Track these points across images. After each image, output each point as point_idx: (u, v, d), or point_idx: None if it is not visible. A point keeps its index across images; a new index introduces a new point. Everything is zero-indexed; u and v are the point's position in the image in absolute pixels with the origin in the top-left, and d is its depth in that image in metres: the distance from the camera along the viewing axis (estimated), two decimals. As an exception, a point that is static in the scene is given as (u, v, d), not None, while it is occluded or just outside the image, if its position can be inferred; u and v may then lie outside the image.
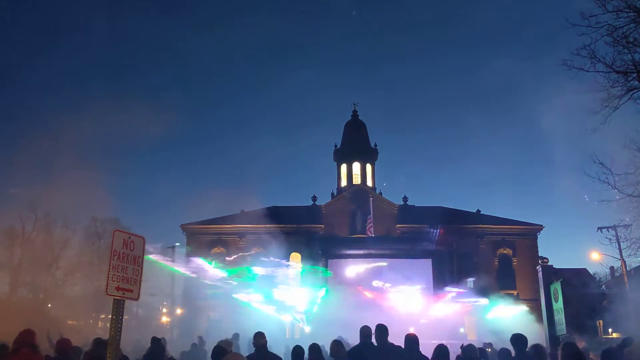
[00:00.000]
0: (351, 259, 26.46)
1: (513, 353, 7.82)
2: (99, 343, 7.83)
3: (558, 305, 17.19)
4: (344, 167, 47.88)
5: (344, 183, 47.29)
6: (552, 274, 18.28)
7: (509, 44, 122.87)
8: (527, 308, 27.43)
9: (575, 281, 20.81)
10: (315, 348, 7.63)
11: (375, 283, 24.43)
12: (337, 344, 7.55)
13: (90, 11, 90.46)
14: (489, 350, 11.54)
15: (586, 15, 10.71)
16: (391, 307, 22.46)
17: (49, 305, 39.05)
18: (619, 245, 20.50)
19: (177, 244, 34.92)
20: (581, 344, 14.41)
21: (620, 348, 9.19)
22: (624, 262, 23.71)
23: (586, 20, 10.69)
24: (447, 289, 24.56)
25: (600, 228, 22.12)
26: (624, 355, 8.79)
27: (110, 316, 5.10)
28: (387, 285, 24.02)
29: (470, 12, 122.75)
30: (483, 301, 26.22)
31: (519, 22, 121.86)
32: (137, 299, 5.24)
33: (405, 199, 44.20)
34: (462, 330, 27.18)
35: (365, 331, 7.83)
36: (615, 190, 12.15)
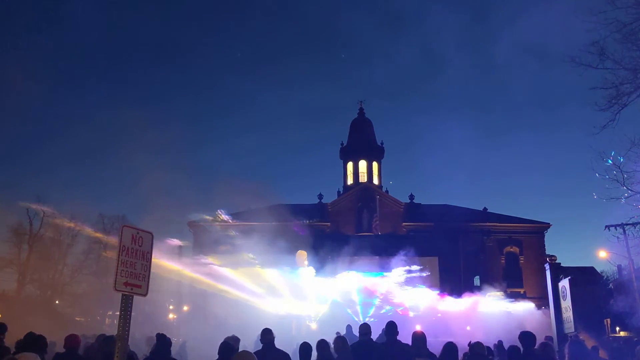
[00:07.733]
0: (357, 257, 26.46)
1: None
2: (104, 339, 7.83)
3: (566, 303, 17.17)
4: (350, 165, 47.77)
5: (350, 181, 47.19)
6: (559, 272, 18.24)
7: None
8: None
9: (582, 279, 20.68)
10: (323, 344, 7.62)
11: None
12: (341, 340, 7.53)
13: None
14: None
15: (595, 12, 10.62)
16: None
17: (57, 302, 39.34)
18: (627, 243, 20.36)
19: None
20: (590, 342, 14.37)
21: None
22: (632, 260, 23.55)
23: (595, 16, 10.59)
24: (454, 287, 24.53)
25: (607, 226, 21.90)
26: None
27: (117, 313, 5.03)
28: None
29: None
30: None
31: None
32: (145, 295, 5.13)
33: (411, 197, 44.07)
34: (468, 328, 27.17)
35: (364, 329, 7.83)
36: (624, 188, 12.02)
